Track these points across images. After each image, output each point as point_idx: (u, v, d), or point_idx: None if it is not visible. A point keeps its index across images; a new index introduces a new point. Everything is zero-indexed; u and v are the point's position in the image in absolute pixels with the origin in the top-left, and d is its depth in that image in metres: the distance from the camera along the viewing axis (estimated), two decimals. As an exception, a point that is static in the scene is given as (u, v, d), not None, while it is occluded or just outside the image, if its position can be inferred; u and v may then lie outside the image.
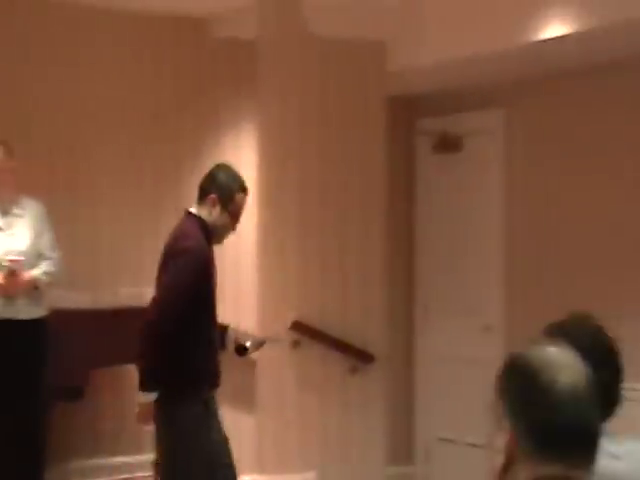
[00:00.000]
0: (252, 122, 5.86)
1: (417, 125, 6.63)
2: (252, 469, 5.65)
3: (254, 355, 5.70)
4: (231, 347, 4.33)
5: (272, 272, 5.75)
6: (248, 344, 4.20)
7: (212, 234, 3.86)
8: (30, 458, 4.89)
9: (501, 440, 1.60)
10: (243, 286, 5.91)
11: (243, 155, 5.96)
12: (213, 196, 3.84)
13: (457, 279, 6.39)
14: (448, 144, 6.41)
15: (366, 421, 5.90)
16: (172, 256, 3.73)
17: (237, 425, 5.95)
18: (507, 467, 1.59)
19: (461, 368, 6.25)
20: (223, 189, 3.85)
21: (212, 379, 3.90)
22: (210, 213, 3.85)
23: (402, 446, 6.54)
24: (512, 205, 6.06)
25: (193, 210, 3.90)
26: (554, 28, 4.80)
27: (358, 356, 5.79)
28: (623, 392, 2.24)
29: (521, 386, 1.59)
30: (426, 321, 6.58)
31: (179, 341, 3.69)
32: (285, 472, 5.67)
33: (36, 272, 4.94)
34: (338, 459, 5.82)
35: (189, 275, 3.67)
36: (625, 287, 5.33)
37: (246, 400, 5.85)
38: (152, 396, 3.73)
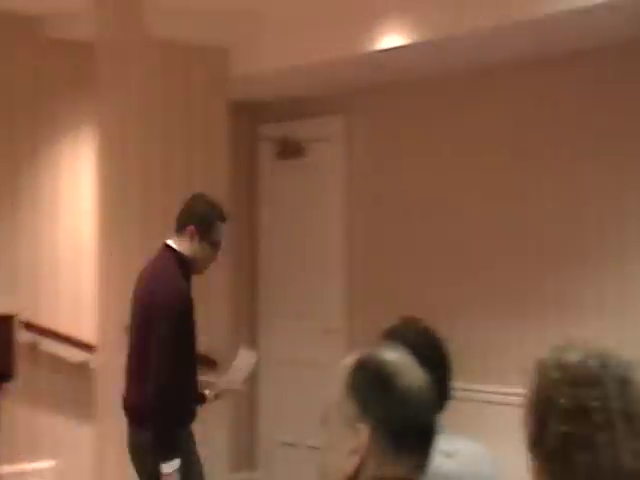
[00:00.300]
0: (91, 124, 5.74)
1: (260, 131, 6.66)
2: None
3: (93, 364, 5.57)
4: None
5: (112, 276, 5.63)
6: (207, 392, 4.07)
7: (191, 266, 3.78)
8: None
9: (353, 441, 1.63)
10: (83, 290, 5.78)
11: (82, 157, 5.83)
12: (191, 227, 3.74)
13: (300, 283, 6.45)
14: (290, 150, 6.47)
15: (208, 427, 5.86)
16: (158, 316, 3.61)
17: (67, 436, 5.80)
18: (360, 468, 1.62)
19: (303, 370, 6.30)
20: (201, 219, 3.76)
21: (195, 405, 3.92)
22: (189, 245, 3.76)
23: (244, 452, 6.54)
24: (353, 210, 6.17)
25: (171, 243, 3.80)
26: (391, 38, 4.93)
27: (201, 362, 5.75)
28: (453, 390, 2.34)
29: (375, 387, 1.63)
30: (269, 325, 6.61)
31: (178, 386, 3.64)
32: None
33: None
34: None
35: (179, 334, 3.62)
36: (460, 291, 5.52)
37: (80, 409, 5.72)
38: (176, 463, 3.63)
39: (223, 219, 3.82)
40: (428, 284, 5.67)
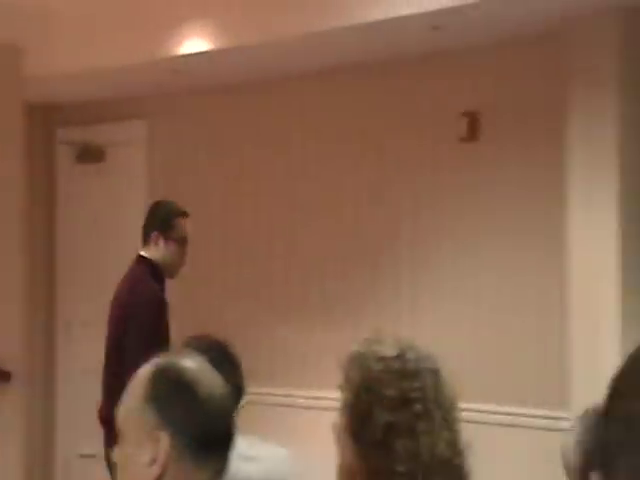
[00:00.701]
0: None
1: (58, 134, 6.46)
2: None
3: None
4: None
5: None
6: None
7: (164, 271, 3.86)
8: None
9: (153, 451, 1.59)
10: None
11: None
12: (155, 233, 3.84)
13: (101, 288, 6.30)
14: (90, 154, 6.32)
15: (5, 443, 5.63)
16: (130, 319, 3.70)
17: None
18: (161, 477, 1.59)
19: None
20: (161, 222, 3.86)
21: None
22: (157, 250, 3.84)
23: (41, 465, 6.31)
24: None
25: (142, 252, 3.88)
26: (193, 43, 4.92)
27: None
28: (245, 395, 2.39)
29: (175, 394, 1.62)
30: (68, 335, 6.42)
31: None
32: None
33: None
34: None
35: (150, 333, 3.66)
36: (259, 300, 5.56)
37: None
38: None
39: (182, 214, 3.94)
40: (228, 293, 5.69)
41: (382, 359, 1.64)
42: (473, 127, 4.81)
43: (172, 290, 5.85)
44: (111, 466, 3.67)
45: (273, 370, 5.42)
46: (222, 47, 4.83)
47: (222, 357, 2.29)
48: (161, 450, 1.59)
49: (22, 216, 5.84)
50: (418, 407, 1.62)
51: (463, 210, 4.88)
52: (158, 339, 3.66)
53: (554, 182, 4.47)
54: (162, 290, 3.86)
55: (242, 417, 2.28)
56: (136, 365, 3.56)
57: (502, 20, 4.39)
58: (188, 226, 3.95)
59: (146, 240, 3.87)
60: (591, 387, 3.64)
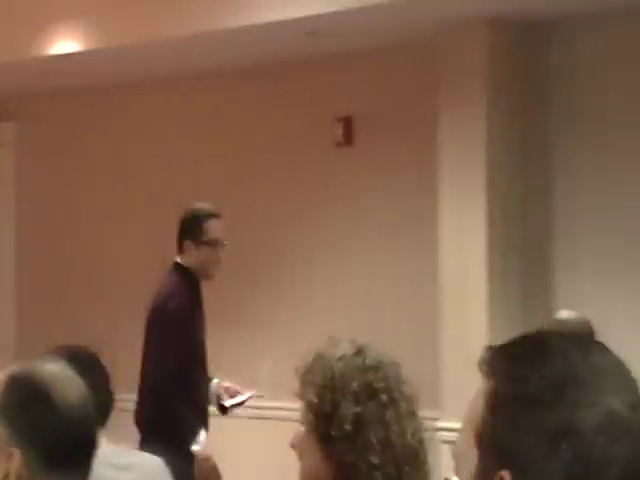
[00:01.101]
0: None
1: None
2: None
3: None
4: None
5: None
6: (227, 404, 3.87)
7: (198, 274, 3.91)
8: None
9: (5, 466, 1.52)
10: None
11: None
12: (185, 240, 3.89)
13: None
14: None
15: None
16: (154, 322, 3.85)
17: None
18: None
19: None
20: (190, 227, 3.90)
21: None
22: (190, 256, 3.88)
23: None
24: (24, 221, 5.94)
25: (177, 259, 3.94)
26: (63, 44, 4.82)
27: None
28: (113, 404, 2.35)
29: (24, 405, 1.53)
30: None
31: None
32: None
33: None
34: None
35: (172, 335, 3.76)
36: (123, 311, 5.46)
37: None
38: (202, 435, 3.73)
39: (211, 216, 3.93)
40: (98, 301, 5.59)
41: (342, 357, 1.68)
42: (348, 132, 4.89)
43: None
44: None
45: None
46: (93, 48, 4.75)
47: (90, 365, 2.24)
48: (12, 468, 1.51)
49: None
50: (384, 397, 1.66)
51: (338, 213, 4.94)
52: (174, 353, 3.75)
53: (426, 184, 4.58)
54: (196, 297, 3.92)
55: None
56: (151, 376, 3.70)
57: (376, 28, 4.46)
58: (219, 226, 3.94)
59: (179, 247, 3.92)
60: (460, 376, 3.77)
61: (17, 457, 1.50)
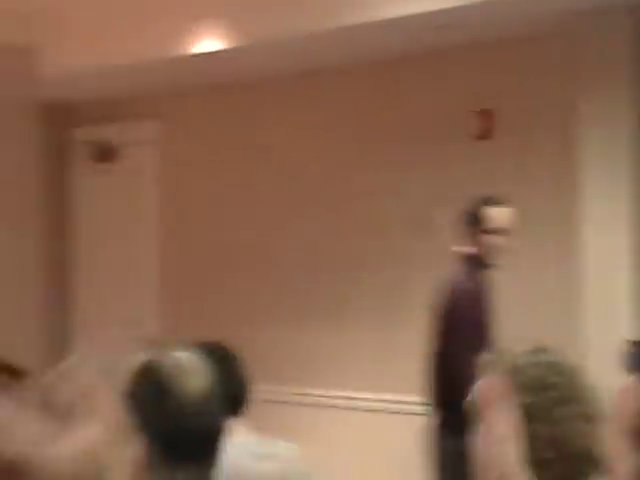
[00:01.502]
0: None
1: (73, 134, 6.47)
2: None
3: None
4: None
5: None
6: None
7: (479, 261, 4.00)
8: None
9: (132, 456, 1.52)
10: None
11: None
12: (466, 227, 4.02)
13: (115, 291, 6.32)
14: (105, 154, 6.33)
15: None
16: (448, 312, 3.96)
17: None
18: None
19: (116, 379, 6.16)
20: (469, 216, 4.01)
21: None
22: (472, 244, 3.99)
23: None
24: (167, 219, 6.09)
25: (459, 248, 4.05)
26: (207, 42, 4.92)
27: (6, 372, 5.53)
28: (251, 395, 2.38)
29: (149, 394, 1.53)
30: (84, 335, 6.44)
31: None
32: None
33: None
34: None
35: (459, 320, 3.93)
36: (275, 297, 5.57)
37: None
38: None
39: (491, 203, 4.00)
40: (240, 295, 5.69)
41: (521, 354, 1.71)
42: (488, 125, 4.83)
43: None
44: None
45: (283, 369, 5.42)
46: (237, 46, 4.83)
47: (225, 358, 2.28)
48: (135, 457, 1.51)
49: (37, 216, 5.87)
50: (554, 394, 1.67)
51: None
52: (469, 338, 3.85)
53: (567, 176, 4.48)
54: (482, 284, 4.02)
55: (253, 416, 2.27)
56: (455, 364, 3.79)
57: (508, 18, 4.41)
58: (503, 214, 4.01)
59: (465, 236, 4.05)
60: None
61: (140, 447, 1.47)
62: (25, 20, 5.57)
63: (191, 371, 1.55)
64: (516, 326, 4.18)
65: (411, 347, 4.56)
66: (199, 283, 5.90)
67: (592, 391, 1.69)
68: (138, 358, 1.58)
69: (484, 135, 4.86)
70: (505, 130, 4.83)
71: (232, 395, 1.69)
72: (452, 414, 3.77)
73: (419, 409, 4.19)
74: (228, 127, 5.84)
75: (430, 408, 4.02)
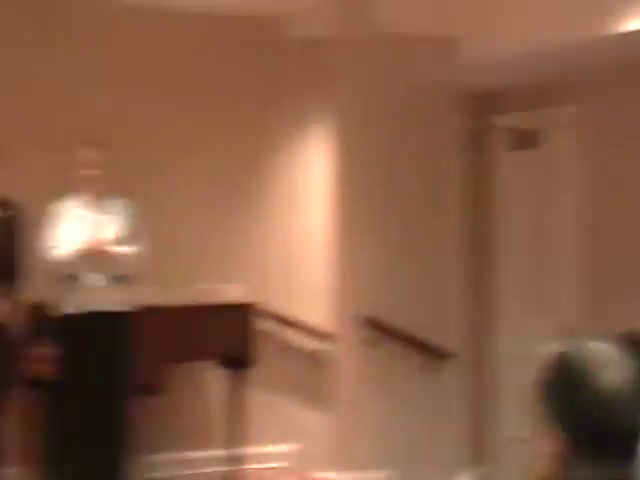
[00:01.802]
0: (321, 121, 5.90)
1: (494, 121, 6.54)
2: (326, 466, 5.66)
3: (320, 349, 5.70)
4: None
5: (345, 267, 5.76)
6: None
7: None
8: (112, 453, 4.96)
9: (545, 443, 1.50)
10: (313, 281, 5.92)
11: (316, 154, 5.99)
12: None
13: (533, 277, 6.30)
14: (525, 141, 6.34)
15: (441, 422, 5.87)
16: None
17: (306, 420, 5.97)
18: (556, 472, 1.49)
19: (533, 367, 6.14)
20: None
21: None
22: None
23: (474, 447, 6.46)
24: (588, 202, 5.93)
25: None
26: (635, 20, 4.70)
27: (432, 353, 5.76)
28: None
29: (570, 388, 1.49)
30: (498, 319, 6.51)
31: None
32: (357, 470, 5.65)
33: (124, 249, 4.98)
34: (418, 459, 5.80)
35: None
36: None
37: (315, 396, 5.87)
38: None
39: None
40: None
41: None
42: None
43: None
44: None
45: None
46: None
47: None
48: (555, 447, 1.48)
49: (458, 202, 6.04)
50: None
51: None
52: None
53: None
54: None
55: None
56: None
57: None
58: None
59: None
60: None
61: (559, 438, 1.47)
62: (447, 10, 5.75)
63: (617, 364, 1.49)
64: None
65: None
66: (621, 267, 5.67)
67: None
68: (556, 347, 1.56)
69: None
70: None
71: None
72: None
73: None
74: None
75: None
